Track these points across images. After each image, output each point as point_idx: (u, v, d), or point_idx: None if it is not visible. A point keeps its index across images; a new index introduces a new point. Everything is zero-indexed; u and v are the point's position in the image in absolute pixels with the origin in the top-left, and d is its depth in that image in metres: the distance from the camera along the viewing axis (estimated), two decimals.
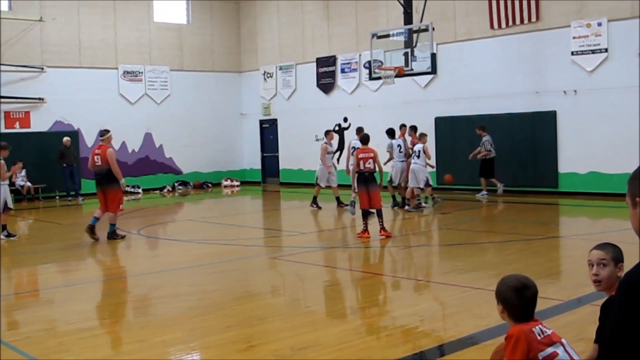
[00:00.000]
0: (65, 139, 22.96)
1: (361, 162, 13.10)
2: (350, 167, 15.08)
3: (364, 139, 13.71)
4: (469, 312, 7.38)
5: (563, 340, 3.69)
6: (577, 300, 7.67)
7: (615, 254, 3.94)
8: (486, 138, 19.30)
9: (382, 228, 12.94)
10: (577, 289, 8.12)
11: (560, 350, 3.62)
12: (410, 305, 7.89)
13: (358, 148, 14.49)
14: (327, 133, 18.71)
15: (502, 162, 20.11)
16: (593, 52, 18.41)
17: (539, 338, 3.59)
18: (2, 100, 22.88)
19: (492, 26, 20.38)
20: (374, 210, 13.29)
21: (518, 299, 3.70)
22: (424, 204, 17.23)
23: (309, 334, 6.82)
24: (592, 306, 7.21)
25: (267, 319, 7.45)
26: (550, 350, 3.59)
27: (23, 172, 22.65)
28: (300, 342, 6.44)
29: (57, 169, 22.60)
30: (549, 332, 3.66)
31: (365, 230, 12.95)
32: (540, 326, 3.67)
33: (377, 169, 13.17)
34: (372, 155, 13.16)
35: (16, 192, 22.57)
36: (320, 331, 6.99)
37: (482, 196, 19.46)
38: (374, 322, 7.25)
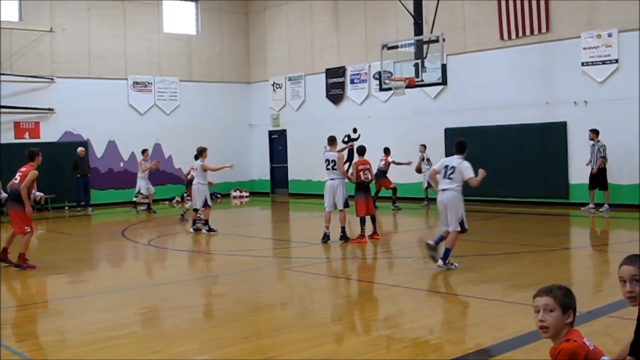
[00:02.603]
0: (80, 149, 23.02)
1: (361, 173, 13.98)
2: None
3: (362, 150, 14.58)
4: (486, 323, 7.34)
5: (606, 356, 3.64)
6: (600, 310, 7.55)
7: None
8: (600, 144, 17.71)
9: (375, 232, 14.25)
10: (594, 301, 8.07)
11: None
12: (427, 316, 7.84)
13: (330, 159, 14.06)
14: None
15: (513, 173, 20.08)
16: (603, 62, 18.39)
17: (590, 349, 3.55)
18: (13, 110, 22.96)
19: (502, 37, 20.37)
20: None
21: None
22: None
23: (326, 345, 6.79)
24: (609, 318, 7.17)
25: (283, 331, 7.41)
26: None
27: None
28: (318, 353, 6.40)
29: (67, 179, 22.62)
30: (592, 345, 3.62)
31: (363, 235, 13.80)
32: (586, 338, 3.63)
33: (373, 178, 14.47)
34: (368, 166, 14.19)
35: None
36: (338, 343, 6.96)
37: (587, 210, 17.76)
38: (391, 333, 7.20)
